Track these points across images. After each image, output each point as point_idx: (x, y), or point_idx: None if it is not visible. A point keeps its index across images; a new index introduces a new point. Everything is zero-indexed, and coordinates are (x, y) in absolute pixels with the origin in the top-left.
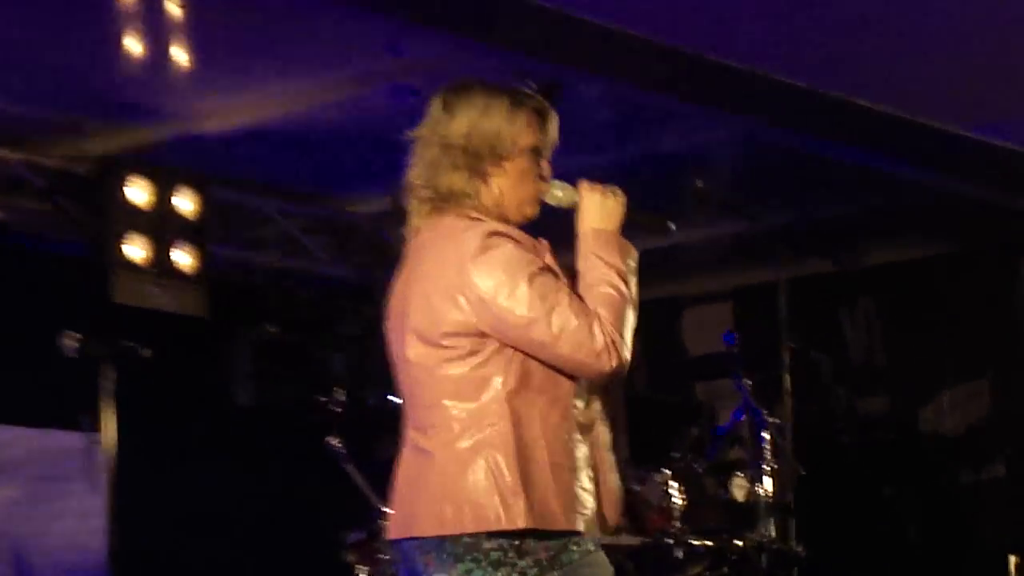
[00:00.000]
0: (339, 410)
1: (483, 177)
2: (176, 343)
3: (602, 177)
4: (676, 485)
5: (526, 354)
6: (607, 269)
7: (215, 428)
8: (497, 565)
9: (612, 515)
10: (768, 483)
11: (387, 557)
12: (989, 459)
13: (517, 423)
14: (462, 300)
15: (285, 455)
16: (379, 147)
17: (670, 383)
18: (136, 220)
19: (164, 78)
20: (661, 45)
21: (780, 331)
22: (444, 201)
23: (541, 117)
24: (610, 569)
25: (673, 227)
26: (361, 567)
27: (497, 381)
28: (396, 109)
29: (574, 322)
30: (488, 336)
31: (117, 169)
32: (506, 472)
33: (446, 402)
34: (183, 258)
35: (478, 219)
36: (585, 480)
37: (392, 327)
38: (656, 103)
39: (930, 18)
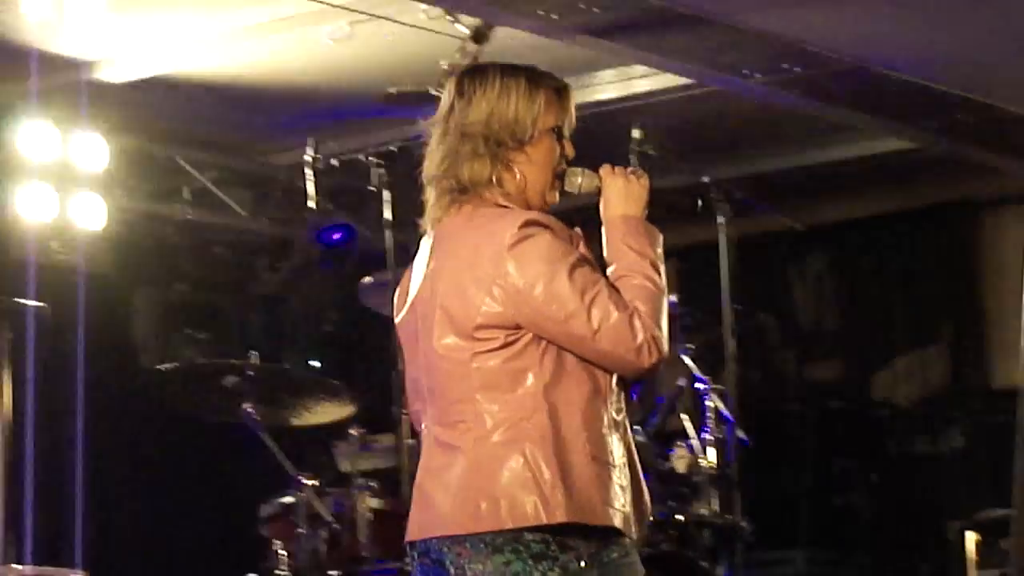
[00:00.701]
0: (253, 374)
1: (506, 164)
2: (79, 301)
3: None
4: None
5: (563, 347)
6: (639, 259)
7: (119, 392)
8: (539, 558)
9: (643, 518)
10: (711, 454)
11: (302, 531)
12: (946, 429)
13: (554, 416)
14: (497, 292)
15: (195, 421)
16: (298, 94)
17: None
18: (37, 170)
19: (71, 19)
20: None
21: (725, 292)
22: (466, 191)
23: (559, 95)
24: (642, 570)
25: (701, 203)
26: (277, 541)
27: (532, 374)
28: (317, 54)
29: (614, 316)
30: (523, 328)
31: (17, 115)
32: (543, 466)
33: (478, 396)
34: (88, 211)
35: (508, 207)
36: (622, 477)
37: (412, 319)
38: (591, 47)
39: None
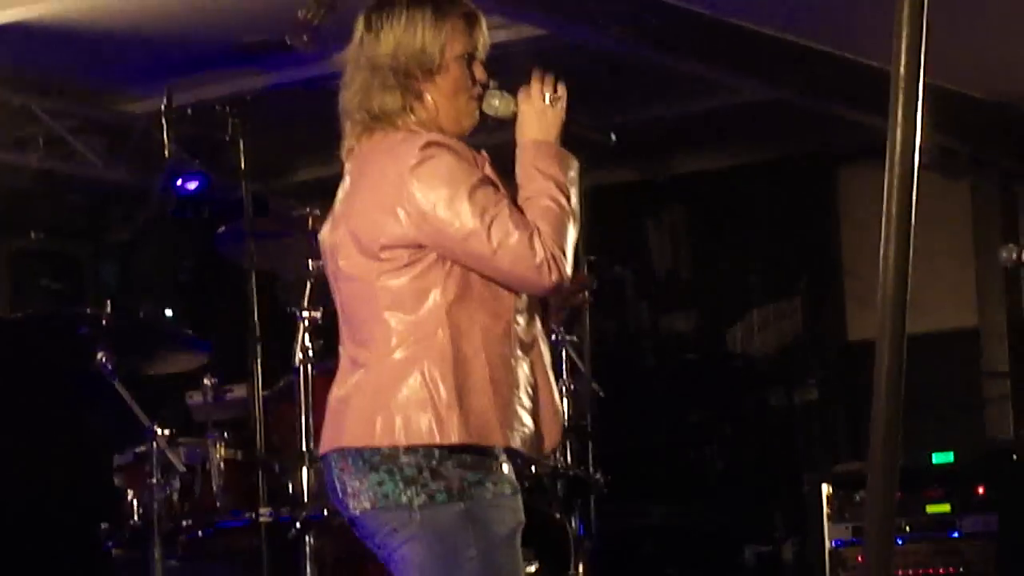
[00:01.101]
0: (107, 323)
1: (416, 94)
2: None
3: None
4: None
5: (466, 267)
6: (546, 181)
7: None
8: (409, 482)
9: (551, 437)
10: (565, 405)
11: (154, 481)
12: (800, 381)
13: (456, 335)
14: (401, 213)
15: (47, 370)
16: (153, 42)
17: None
18: None
19: None
20: None
21: (579, 243)
22: (378, 122)
23: (468, 21)
24: (519, 517)
25: (614, 138)
26: (130, 491)
27: (436, 293)
28: (172, 3)
29: (514, 235)
30: (427, 248)
31: None
32: (441, 385)
33: (384, 314)
34: None
35: (415, 131)
36: (524, 398)
37: (329, 243)
38: None
39: None
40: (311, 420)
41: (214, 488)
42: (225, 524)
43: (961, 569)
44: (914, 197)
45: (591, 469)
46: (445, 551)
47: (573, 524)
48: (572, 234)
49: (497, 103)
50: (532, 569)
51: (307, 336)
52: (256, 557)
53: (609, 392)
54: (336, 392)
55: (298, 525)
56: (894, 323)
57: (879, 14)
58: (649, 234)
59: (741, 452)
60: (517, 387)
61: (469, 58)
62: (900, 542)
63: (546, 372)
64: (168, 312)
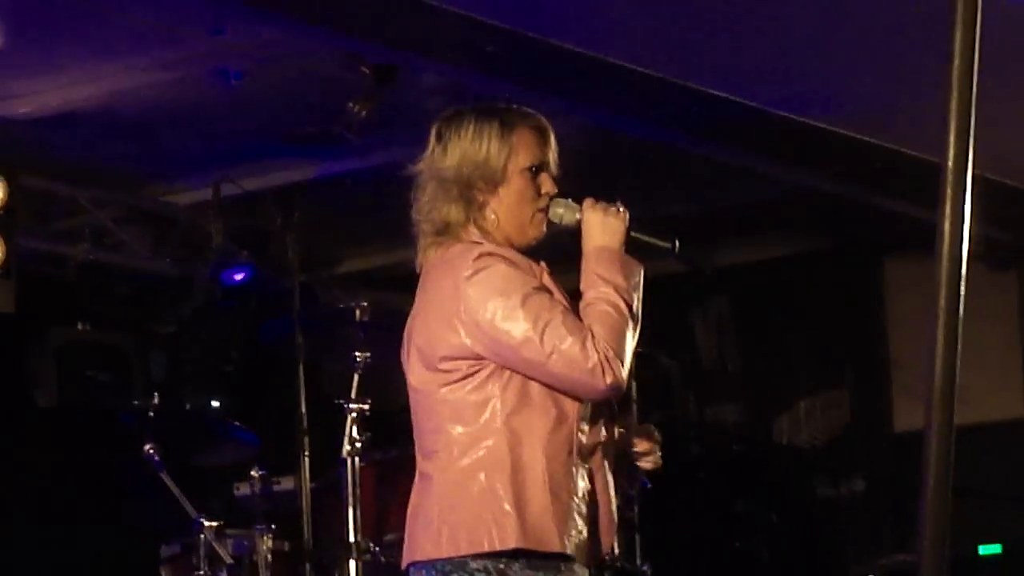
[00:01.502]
0: (154, 414)
1: (479, 206)
2: None
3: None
4: None
5: (523, 374)
6: (606, 287)
7: (11, 432)
8: None
9: (606, 541)
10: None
11: (202, 573)
12: (848, 472)
13: (515, 443)
14: (457, 324)
15: (95, 462)
16: (200, 134)
17: None
18: None
19: None
20: (501, 28)
21: None
22: (442, 234)
23: (537, 133)
24: None
25: (677, 247)
26: None
27: (495, 402)
28: (219, 94)
29: (567, 340)
30: (485, 358)
31: None
32: (500, 491)
33: (447, 425)
34: None
35: (473, 242)
36: (581, 505)
37: (403, 359)
38: (496, 90)
39: (785, 7)
40: (358, 512)
41: None
42: None
43: None
44: (962, 288)
45: (638, 560)
46: None
47: None
48: (630, 339)
49: (562, 211)
50: None
51: (354, 428)
52: None
53: (655, 483)
54: (410, 505)
55: None
56: (942, 414)
57: (924, 105)
58: (695, 325)
59: (787, 543)
60: (575, 494)
61: (536, 169)
62: None
63: (605, 479)
64: (215, 403)
